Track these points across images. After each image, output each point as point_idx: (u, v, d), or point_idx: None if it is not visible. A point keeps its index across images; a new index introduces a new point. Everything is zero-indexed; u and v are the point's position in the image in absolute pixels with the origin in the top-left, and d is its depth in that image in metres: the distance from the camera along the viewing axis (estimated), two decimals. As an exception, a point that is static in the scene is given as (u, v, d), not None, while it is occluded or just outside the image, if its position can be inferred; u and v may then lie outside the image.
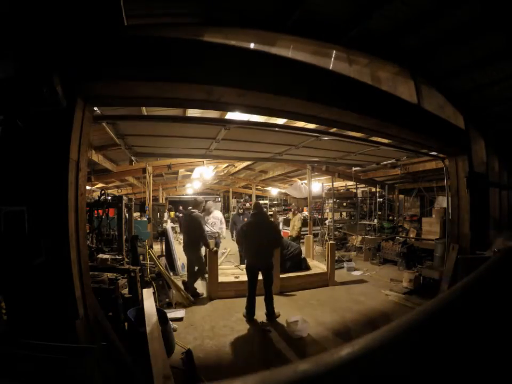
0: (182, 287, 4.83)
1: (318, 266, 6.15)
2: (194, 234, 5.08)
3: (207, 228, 5.90)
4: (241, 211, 9.57)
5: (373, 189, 10.50)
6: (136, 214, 7.59)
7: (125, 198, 4.43)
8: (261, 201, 17.44)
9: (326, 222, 10.59)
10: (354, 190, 10.74)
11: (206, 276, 5.23)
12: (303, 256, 6.01)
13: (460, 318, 0.35)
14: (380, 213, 10.01)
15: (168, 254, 6.36)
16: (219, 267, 5.19)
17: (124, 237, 4.20)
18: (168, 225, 7.50)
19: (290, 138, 4.20)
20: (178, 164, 7.76)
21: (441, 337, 0.34)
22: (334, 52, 2.99)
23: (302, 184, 11.69)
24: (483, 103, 4.40)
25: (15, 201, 1.90)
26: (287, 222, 11.02)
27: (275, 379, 0.29)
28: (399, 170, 8.25)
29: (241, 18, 2.62)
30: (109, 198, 4.21)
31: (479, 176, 4.55)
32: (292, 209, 10.04)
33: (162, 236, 6.62)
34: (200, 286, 5.34)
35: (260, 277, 4.19)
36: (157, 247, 6.71)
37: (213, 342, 3.41)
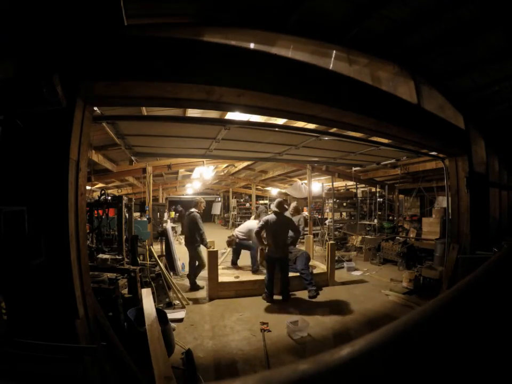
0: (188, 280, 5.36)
1: (318, 266, 6.15)
2: (190, 232, 5.57)
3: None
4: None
5: (373, 189, 10.50)
6: (136, 214, 7.58)
7: (125, 198, 4.42)
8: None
9: (326, 222, 10.59)
10: (354, 190, 10.74)
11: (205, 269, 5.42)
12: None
13: (460, 318, 0.35)
14: (380, 213, 10.00)
15: (168, 254, 6.36)
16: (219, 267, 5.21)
17: (124, 237, 4.19)
18: (168, 225, 7.50)
19: (290, 138, 4.20)
20: (178, 164, 7.75)
21: (441, 337, 0.34)
22: (334, 51, 2.99)
23: (302, 184, 11.70)
24: (483, 103, 4.39)
25: (15, 201, 1.89)
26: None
27: (275, 379, 0.29)
28: (399, 170, 8.25)
29: (241, 18, 2.62)
30: (109, 198, 4.20)
31: (479, 176, 4.54)
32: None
33: (162, 236, 6.61)
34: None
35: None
36: (157, 247, 6.71)
37: (213, 342, 3.41)
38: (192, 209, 5.68)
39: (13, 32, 1.96)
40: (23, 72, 1.93)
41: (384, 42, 3.11)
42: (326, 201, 11.14)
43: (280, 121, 4.37)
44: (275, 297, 4.79)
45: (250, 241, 5.77)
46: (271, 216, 4.94)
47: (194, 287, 5.36)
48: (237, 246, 6.04)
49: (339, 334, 3.65)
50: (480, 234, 4.41)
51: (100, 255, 3.45)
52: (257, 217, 6.72)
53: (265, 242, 4.92)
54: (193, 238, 5.51)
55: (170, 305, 4.43)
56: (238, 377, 0.31)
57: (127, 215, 4.96)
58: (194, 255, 5.52)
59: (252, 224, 5.92)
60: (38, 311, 1.93)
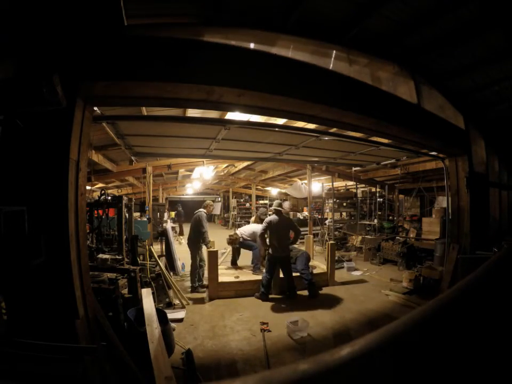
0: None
1: (318, 266, 6.14)
2: (194, 232, 5.54)
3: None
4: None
5: (373, 189, 10.50)
6: (136, 214, 7.58)
7: (125, 198, 4.42)
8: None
9: (326, 222, 10.59)
10: (354, 190, 10.74)
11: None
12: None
13: (460, 318, 0.35)
14: (380, 213, 10.00)
15: (168, 254, 6.37)
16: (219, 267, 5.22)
17: (124, 237, 4.19)
18: (168, 225, 7.50)
19: (290, 138, 4.20)
20: (178, 164, 7.75)
21: (441, 337, 0.34)
22: (334, 51, 2.99)
23: (302, 184, 11.71)
24: (483, 103, 4.40)
25: (15, 201, 1.90)
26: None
27: (275, 379, 0.29)
28: (399, 170, 8.26)
29: (241, 18, 2.62)
30: (109, 198, 4.20)
31: (479, 176, 4.55)
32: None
33: (162, 236, 6.62)
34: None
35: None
36: (157, 247, 6.71)
37: (213, 342, 3.41)
38: (201, 209, 5.69)
39: (13, 32, 1.96)
40: (23, 72, 1.93)
41: (384, 42, 3.11)
42: (326, 201, 11.13)
43: (280, 121, 4.37)
44: (272, 296, 4.87)
45: (254, 242, 5.80)
46: (273, 217, 5.01)
47: (197, 290, 5.30)
48: (240, 245, 6.09)
49: (339, 334, 3.65)
50: (480, 234, 4.42)
51: (100, 255, 3.45)
52: (258, 219, 6.68)
53: (268, 244, 4.97)
54: (197, 238, 5.49)
55: (170, 305, 4.43)
56: (238, 377, 0.31)
57: (127, 215, 4.96)
58: (197, 253, 5.49)
59: (256, 227, 5.95)
60: (38, 311, 1.93)
